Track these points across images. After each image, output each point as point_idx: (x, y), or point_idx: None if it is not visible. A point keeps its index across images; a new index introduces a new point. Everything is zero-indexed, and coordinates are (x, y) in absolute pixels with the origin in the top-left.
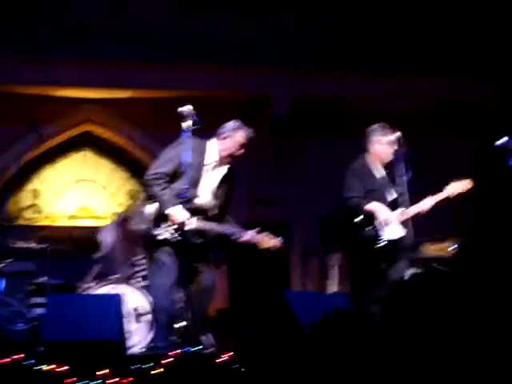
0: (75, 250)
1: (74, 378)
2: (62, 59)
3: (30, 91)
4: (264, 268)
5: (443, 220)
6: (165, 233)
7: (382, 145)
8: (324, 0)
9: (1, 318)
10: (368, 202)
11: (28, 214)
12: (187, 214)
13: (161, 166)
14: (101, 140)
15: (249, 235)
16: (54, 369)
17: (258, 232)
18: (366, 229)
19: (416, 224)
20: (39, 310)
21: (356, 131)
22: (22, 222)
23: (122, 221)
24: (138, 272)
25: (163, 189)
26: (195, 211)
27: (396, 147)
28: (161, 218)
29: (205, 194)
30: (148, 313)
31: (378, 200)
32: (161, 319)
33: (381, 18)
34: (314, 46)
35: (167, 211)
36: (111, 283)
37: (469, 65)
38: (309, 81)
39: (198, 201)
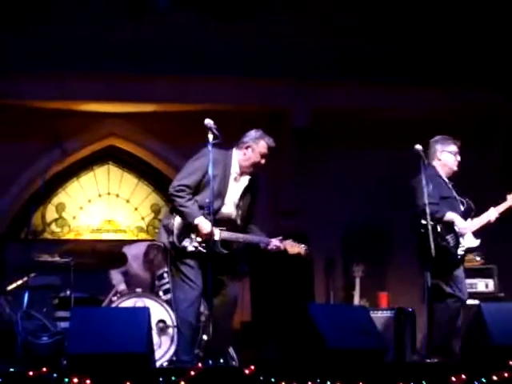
0: (99, 263)
1: None
2: (86, 73)
3: (54, 106)
4: (287, 280)
5: None
6: (190, 245)
7: (450, 154)
8: (342, 13)
9: (25, 331)
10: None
11: (52, 228)
12: (212, 226)
13: (185, 177)
14: (124, 154)
15: (276, 242)
16: (77, 382)
17: (282, 240)
18: (447, 236)
19: None
20: (63, 324)
21: (376, 142)
22: (46, 235)
23: (150, 256)
24: (161, 286)
25: (188, 200)
26: (220, 222)
27: (459, 158)
28: (186, 230)
29: (228, 205)
30: (171, 326)
31: (453, 209)
32: (184, 332)
33: (394, 30)
34: (332, 58)
35: (194, 222)
36: (134, 297)
37: (482, 73)
38: (328, 92)
39: (223, 211)
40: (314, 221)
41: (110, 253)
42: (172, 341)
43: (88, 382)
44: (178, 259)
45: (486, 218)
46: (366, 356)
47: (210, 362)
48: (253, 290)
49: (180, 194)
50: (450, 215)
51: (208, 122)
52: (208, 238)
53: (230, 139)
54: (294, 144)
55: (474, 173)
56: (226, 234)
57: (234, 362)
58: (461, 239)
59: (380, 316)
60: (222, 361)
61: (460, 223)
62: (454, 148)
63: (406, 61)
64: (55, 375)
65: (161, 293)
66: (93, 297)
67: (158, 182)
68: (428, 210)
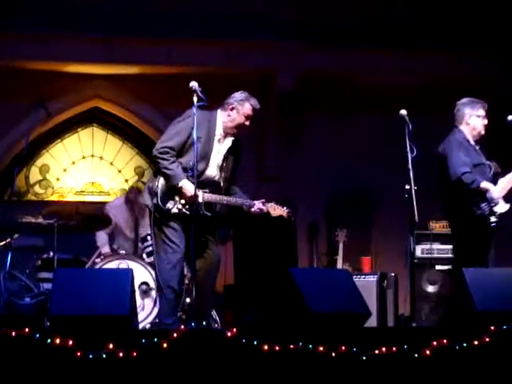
0: (83, 225)
1: (82, 351)
2: (71, 35)
3: (38, 67)
4: (270, 245)
5: None
6: (174, 207)
7: (479, 118)
8: None
9: (8, 291)
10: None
11: (36, 190)
12: (196, 188)
13: (169, 139)
14: (109, 116)
15: (259, 205)
16: (59, 343)
17: (264, 203)
18: (482, 204)
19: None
20: (46, 285)
21: (361, 107)
22: (30, 197)
23: (130, 196)
24: (144, 248)
25: (172, 162)
26: (204, 184)
27: (486, 121)
28: (169, 192)
29: (212, 167)
30: (154, 289)
31: (484, 175)
32: (167, 295)
33: None
34: (320, 21)
35: (179, 184)
36: (118, 258)
37: (475, 41)
38: (314, 56)
39: (207, 174)
40: (298, 186)
41: (94, 214)
42: (155, 303)
43: (70, 342)
44: (162, 222)
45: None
46: (348, 320)
47: (193, 324)
48: (236, 253)
49: (164, 156)
50: (485, 184)
51: (193, 84)
52: (192, 201)
53: (214, 102)
54: (279, 108)
55: None
56: (210, 196)
57: (216, 325)
58: (495, 208)
59: (363, 280)
60: (204, 323)
61: (495, 192)
62: (482, 112)
63: (394, 25)
64: (38, 336)
65: (144, 255)
66: (76, 258)
67: (142, 144)
68: (465, 180)
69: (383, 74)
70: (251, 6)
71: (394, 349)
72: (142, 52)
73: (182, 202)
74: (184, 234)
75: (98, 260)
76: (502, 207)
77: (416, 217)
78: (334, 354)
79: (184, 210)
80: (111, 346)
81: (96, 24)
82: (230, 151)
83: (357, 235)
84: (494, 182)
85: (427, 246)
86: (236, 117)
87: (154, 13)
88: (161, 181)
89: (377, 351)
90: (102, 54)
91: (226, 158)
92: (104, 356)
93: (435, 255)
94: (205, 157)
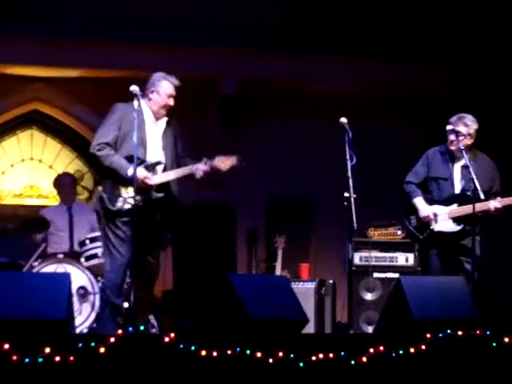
0: (20, 228)
1: (18, 356)
2: (10, 36)
3: None
4: (210, 250)
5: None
6: (124, 204)
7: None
8: None
9: None
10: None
11: None
12: (146, 172)
13: (102, 136)
14: (48, 119)
15: (202, 167)
16: None
17: (207, 161)
18: (411, 216)
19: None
20: None
21: (302, 113)
22: None
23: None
24: (83, 252)
25: (113, 155)
26: (149, 168)
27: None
28: (115, 191)
29: (154, 151)
30: (91, 293)
31: (438, 190)
32: (111, 298)
33: (328, 1)
34: (263, 27)
35: (128, 173)
36: (55, 262)
37: (414, 49)
38: (257, 62)
39: (148, 159)
40: (238, 192)
41: (32, 218)
42: (92, 308)
43: (7, 346)
44: (109, 226)
45: (466, 209)
46: (286, 326)
47: (130, 328)
48: (175, 258)
49: (103, 152)
50: (416, 201)
51: (134, 88)
52: (145, 185)
53: None
54: (220, 113)
55: (399, 153)
56: (158, 177)
57: (154, 330)
58: (432, 223)
59: (301, 287)
60: (142, 328)
61: (421, 211)
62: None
63: (337, 33)
64: None
65: (82, 259)
66: (13, 261)
67: (81, 148)
68: (406, 189)
69: (324, 81)
70: (194, 9)
71: (331, 355)
72: (83, 55)
73: (131, 194)
74: (134, 234)
75: (35, 264)
76: (443, 226)
77: (355, 224)
78: (271, 360)
79: (135, 202)
80: (48, 350)
81: (36, 26)
82: (165, 131)
83: (296, 242)
84: (458, 202)
85: (365, 254)
86: (157, 98)
87: (94, 15)
88: (104, 183)
89: (314, 357)
90: (41, 57)
91: (164, 138)
92: (40, 360)
93: (373, 263)
94: (142, 143)
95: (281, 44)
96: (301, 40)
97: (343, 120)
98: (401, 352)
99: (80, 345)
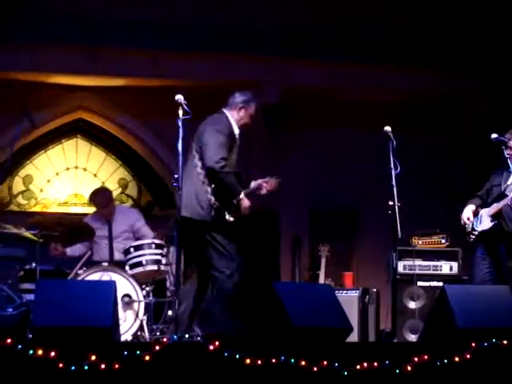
0: (65, 236)
1: (64, 363)
2: (57, 46)
3: (23, 77)
4: (253, 258)
5: (431, 215)
6: (230, 217)
7: None
8: None
9: None
10: None
11: (19, 200)
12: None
13: (222, 151)
14: (93, 127)
15: (265, 186)
16: (42, 354)
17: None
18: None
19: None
20: (29, 296)
21: (345, 122)
22: (13, 207)
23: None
24: (128, 260)
25: (231, 174)
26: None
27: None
28: (224, 203)
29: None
30: (136, 301)
31: (491, 197)
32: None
33: (368, 9)
34: (306, 35)
35: (240, 196)
36: (100, 270)
37: (455, 58)
38: (299, 70)
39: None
40: (283, 199)
41: (77, 226)
42: (137, 315)
43: (53, 354)
44: (217, 234)
45: (501, 203)
46: (330, 335)
47: (175, 337)
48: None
49: (224, 169)
50: (467, 204)
51: (179, 97)
52: (246, 212)
53: (199, 115)
54: (264, 122)
55: (439, 161)
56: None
57: (198, 338)
58: (477, 224)
59: (345, 296)
60: (187, 336)
61: (464, 213)
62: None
63: (380, 42)
64: (20, 347)
65: (127, 267)
66: (58, 269)
67: (126, 156)
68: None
69: (365, 89)
70: (239, 18)
71: (376, 364)
72: (128, 64)
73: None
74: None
75: (80, 271)
76: (484, 225)
77: (399, 233)
78: (315, 369)
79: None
80: (93, 357)
81: (81, 35)
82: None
83: (339, 250)
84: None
85: (409, 262)
86: (244, 117)
87: (140, 23)
88: (219, 195)
89: (358, 366)
90: (86, 65)
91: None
92: (86, 368)
93: (417, 271)
94: (234, 160)
95: (323, 53)
96: (343, 49)
97: (387, 128)
98: (445, 361)
99: (125, 352)
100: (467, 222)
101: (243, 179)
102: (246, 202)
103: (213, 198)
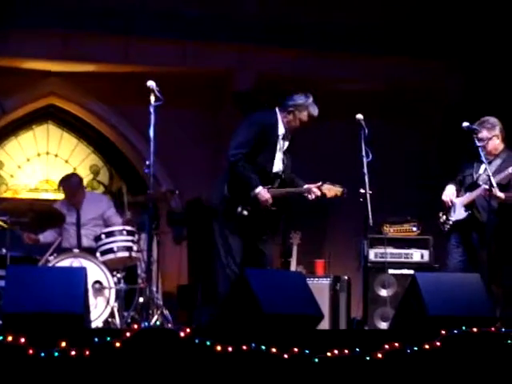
0: (36, 222)
1: (34, 349)
2: (26, 31)
3: None
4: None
5: (402, 203)
6: (244, 210)
7: None
8: None
9: None
10: None
11: None
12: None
13: (242, 146)
14: (64, 113)
15: (315, 192)
16: (11, 340)
17: (320, 186)
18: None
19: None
20: None
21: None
22: None
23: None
24: (98, 246)
25: (247, 169)
26: (272, 180)
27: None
28: (238, 196)
29: (277, 163)
30: (107, 288)
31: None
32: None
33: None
34: (281, 23)
35: (256, 191)
36: (71, 257)
37: (427, 48)
38: (272, 57)
39: (274, 170)
40: None
41: (47, 212)
42: (107, 302)
43: (23, 340)
44: (226, 224)
45: (474, 193)
46: (301, 322)
47: (146, 323)
48: (190, 253)
49: (240, 162)
50: (448, 185)
51: (150, 83)
52: (264, 206)
53: (171, 101)
54: (235, 107)
55: (415, 150)
56: (273, 192)
57: (169, 325)
58: (451, 213)
59: (316, 283)
60: (157, 323)
61: (446, 192)
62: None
63: (356, 32)
64: None
65: (98, 254)
66: (28, 256)
67: (97, 142)
68: None
69: (340, 78)
70: (210, 5)
71: (346, 351)
72: (99, 50)
73: (251, 204)
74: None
75: (51, 258)
76: (458, 215)
77: (370, 221)
78: (286, 356)
79: (252, 213)
80: (64, 344)
81: (53, 20)
82: (289, 147)
83: (311, 238)
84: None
85: (381, 250)
86: (291, 120)
87: (112, 9)
88: (232, 186)
89: (329, 354)
90: (58, 51)
91: (286, 153)
92: (56, 354)
93: (388, 259)
94: (271, 158)
95: (299, 41)
96: (320, 38)
97: (359, 116)
98: (415, 348)
99: (96, 339)
100: (448, 201)
101: (285, 180)
102: (263, 196)
103: (226, 190)
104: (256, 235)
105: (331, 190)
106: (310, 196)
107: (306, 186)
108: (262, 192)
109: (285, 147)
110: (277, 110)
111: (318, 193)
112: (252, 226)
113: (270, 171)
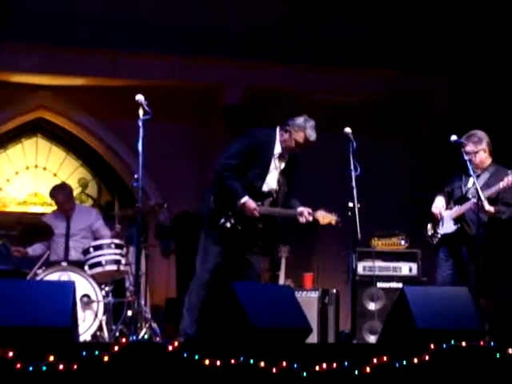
0: (24, 235)
1: (21, 363)
2: (15, 44)
3: None
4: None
5: (390, 216)
6: (227, 222)
7: None
8: None
9: None
10: None
11: None
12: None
13: (232, 157)
14: (53, 127)
15: (306, 216)
16: None
17: (311, 213)
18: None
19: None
20: None
21: None
22: None
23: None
24: (87, 260)
25: (234, 180)
26: (261, 198)
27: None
28: (222, 207)
29: (270, 183)
30: (95, 301)
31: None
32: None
33: (330, 11)
34: (267, 38)
35: (241, 201)
36: (59, 270)
37: (416, 59)
38: (260, 71)
39: (264, 189)
40: None
41: (35, 225)
42: (96, 316)
43: (10, 354)
44: (209, 233)
45: (464, 207)
46: (289, 335)
47: (134, 337)
48: (178, 266)
49: (226, 173)
50: (437, 196)
51: (139, 97)
52: (251, 215)
53: (160, 115)
54: (224, 121)
55: (403, 163)
56: (264, 210)
57: (157, 338)
58: (440, 226)
59: (304, 297)
60: (146, 336)
61: (436, 204)
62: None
63: (339, 44)
64: None
65: (86, 267)
66: (17, 269)
67: (86, 156)
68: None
69: (327, 91)
70: (199, 20)
71: (335, 365)
72: (88, 63)
73: (235, 216)
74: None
75: (39, 272)
76: (446, 228)
77: (359, 234)
78: (274, 370)
79: (236, 225)
80: (51, 358)
81: (41, 34)
82: (287, 167)
83: (299, 251)
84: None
85: (369, 264)
86: (287, 139)
87: (100, 24)
88: (218, 197)
89: (317, 367)
90: (47, 65)
91: (283, 174)
92: (44, 368)
93: (377, 273)
94: (262, 175)
95: (285, 55)
96: (304, 51)
97: (348, 130)
98: (404, 362)
99: (84, 353)
100: (438, 214)
101: (277, 200)
102: (249, 206)
103: (212, 201)
104: (243, 248)
105: (325, 218)
106: (301, 219)
107: (299, 210)
108: (248, 202)
109: (282, 167)
110: (277, 128)
111: (310, 218)
112: (237, 239)
113: (259, 188)
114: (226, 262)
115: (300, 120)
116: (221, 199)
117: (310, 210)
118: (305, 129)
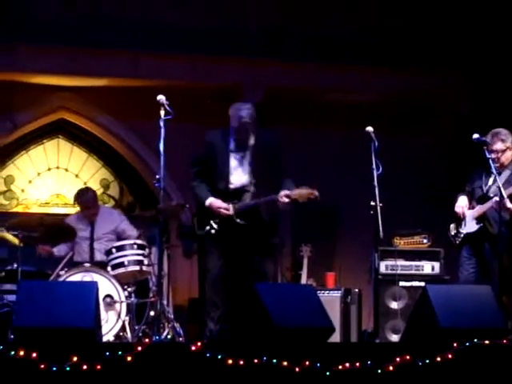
0: (47, 237)
1: (45, 364)
2: (37, 46)
3: (4, 78)
4: (234, 259)
5: (412, 215)
6: (212, 229)
7: None
8: None
9: None
10: None
11: (1, 201)
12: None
13: (193, 165)
14: (75, 128)
15: (284, 199)
16: (23, 355)
17: (288, 195)
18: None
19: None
20: (10, 297)
21: (325, 123)
22: None
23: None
24: (109, 261)
25: (198, 186)
26: (233, 196)
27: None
28: (205, 215)
29: (238, 178)
30: (118, 302)
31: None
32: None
33: (347, 11)
34: (287, 38)
35: (206, 203)
36: (82, 271)
37: (438, 58)
38: (280, 71)
39: (232, 187)
40: None
41: (57, 226)
42: (119, 316)
43: (34, 355)
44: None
45: (485, 206)
46: (312, 335)
47: (157, 337)
48: (200, 267)
49: (193, 182)
50: (459, 196)
51: (160, 97)
52: (223, 215)
53: (181, 116)
54: None
55: (424, 162)
56: (238, 206)
57: (180, 338)
58: (462, 225)
59: (327, 296)
60: (169, 337)
61: (459, 203)
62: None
63: (358, 43)
64: (1, 347)
65: (109, 268)
66: (40, 271)
67: (107, 157)
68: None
69: (347, 90)
70: (220, 20)
71: (358, 364)
72: (109, 64)
73: (216, 220)
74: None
75: (62, 272)
76: (469, 227)
77: (381, 233)
78: (297, 369)
79: (220, 230)
80: (75, 358)
81: (63, 35)
82: (257, 156)
83: (321, 251)
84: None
85: (391, 263)
86: (232, 124)
87: (121, 25)
88: (199, 207)
89: (340, 367)
90: (68, 66)
91: (254, 164)
92: (68, 369)
93: (399, 271)
94: (224, 172)
95: (304, 54)
96: (323, 50)
97: (369, 129)
98: (427, 361)
99: (107, 353)
100: (461, 213)
101: (253, 192)
102: (214, 206)
103: (194, 212)
104: (241, 251)
105: (302, 195)
106: (279, 204)
107: (277, 195)
108: (212, 203)
109: (249, 158)
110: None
111: (286, 200)
112: (229, 242)
113: (226, 188)
114: (228, 266)
115: (231, 108)
116: (200, 208)
117: (288, 192)
118: (238, 111)
